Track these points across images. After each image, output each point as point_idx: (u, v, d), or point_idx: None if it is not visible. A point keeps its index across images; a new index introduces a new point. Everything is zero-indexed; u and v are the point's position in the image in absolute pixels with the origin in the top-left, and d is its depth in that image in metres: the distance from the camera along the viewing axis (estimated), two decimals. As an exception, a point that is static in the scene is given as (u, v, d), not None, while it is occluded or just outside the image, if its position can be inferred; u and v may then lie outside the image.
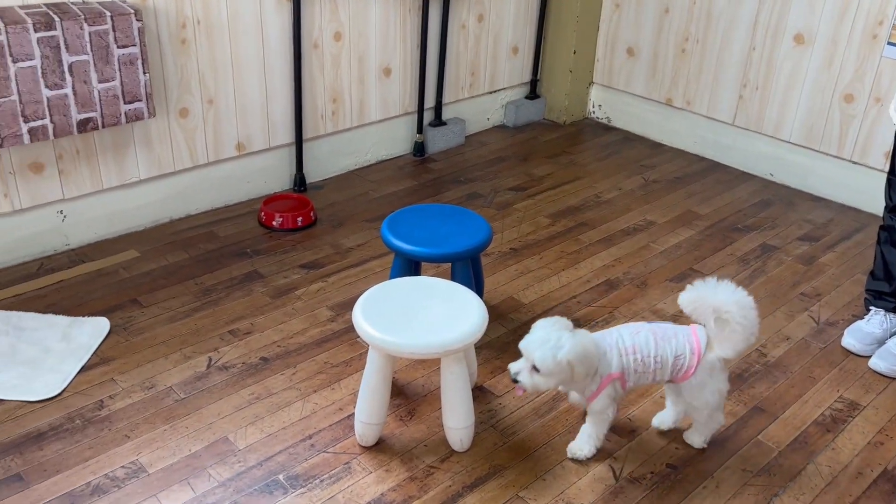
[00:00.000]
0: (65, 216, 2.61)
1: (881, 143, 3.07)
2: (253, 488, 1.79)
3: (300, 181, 3.12)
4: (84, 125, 2.41)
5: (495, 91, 3.77)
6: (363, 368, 2.13)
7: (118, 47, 2.39)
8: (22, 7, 2.31)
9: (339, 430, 1.97)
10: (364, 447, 1.92)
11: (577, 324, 2.40)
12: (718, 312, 1.75)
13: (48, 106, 2.32)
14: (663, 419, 2.01)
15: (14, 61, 2.21)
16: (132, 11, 2.37)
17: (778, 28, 3.22)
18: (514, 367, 1.76)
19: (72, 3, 2.37)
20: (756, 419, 2.07)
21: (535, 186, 3.27)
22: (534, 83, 3.90)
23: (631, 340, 1.80)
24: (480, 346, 2.28)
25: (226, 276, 2.56)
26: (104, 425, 1.95)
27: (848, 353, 2.34)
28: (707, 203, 3.20)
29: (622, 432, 2.01)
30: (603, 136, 3.82)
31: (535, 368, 1.73)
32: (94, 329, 2.26)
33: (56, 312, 2.33)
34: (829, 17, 3.08)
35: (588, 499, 1.82)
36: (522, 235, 2.90)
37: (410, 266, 2.22)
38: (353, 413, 1.99)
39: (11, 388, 2.03)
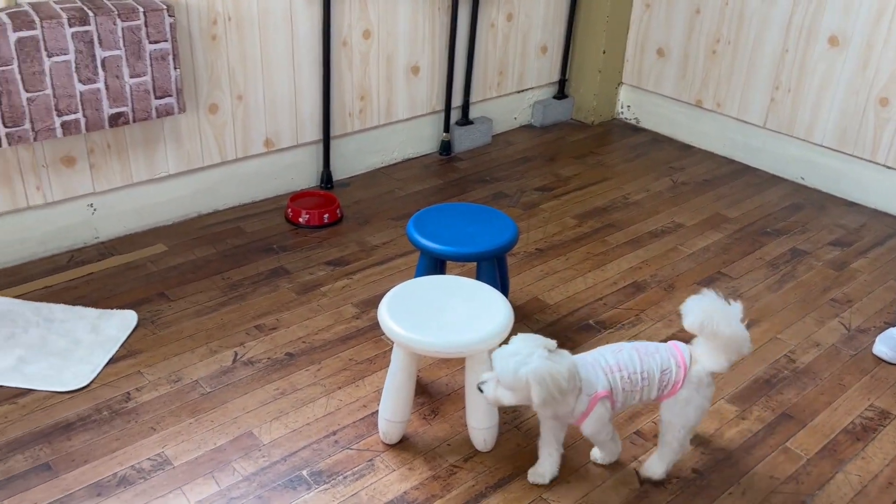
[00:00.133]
0: (95, 209, 2.64)
1: (916, 148, 3.02)
2: (277, 483, 1.80)
3: (327, 178, 3.13)
4: (115, 119, 2.43)
5: (523, 90, 3.76)
6: (387, 366, 2.13)
7: (150, 43, 2.41)
8: (57, 2, 2.34)
9: (362, 427, 1.97)
10: (387, 445, 1.92)
11: (604, 326, 2.39)
12: (712, 330, 1.67)
13: (81, 100, 2.34)
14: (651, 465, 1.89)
15: (49, 56, 2.24)
16: (164, 7, 2.39)
17: (812, 30, 3.17)
18: (485, 374, 1.69)
19: (105, -2, 2.40)
20: (784, 426, 2.05)
21: (562, 187, 3.26)
22: (562, 83, 3.88)
23: (614, 359, 1.72)
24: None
25: (252, 272, 2.57)
26: (131, 417, 1.96)
27: (879, 360, 2.30)
28: (736, 206, 3.16)
29: (647, 436, 1.99)
30: (631, 137, 3.79)
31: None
32: (122, 322, 2.28)
33: (85, 304, 2.36)
34: (864, 19, 3.03)
35: (612, 502, 1.80)
36: (548, 236, 2.88)
37: (436, 265, 2.22)
38: (377, 410, 1.99)
39: (42, 379, 2.05)
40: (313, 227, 2.86)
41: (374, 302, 2.45)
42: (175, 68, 2.48)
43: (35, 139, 2.30)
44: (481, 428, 1.88)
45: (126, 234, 2.74)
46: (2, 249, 2.49)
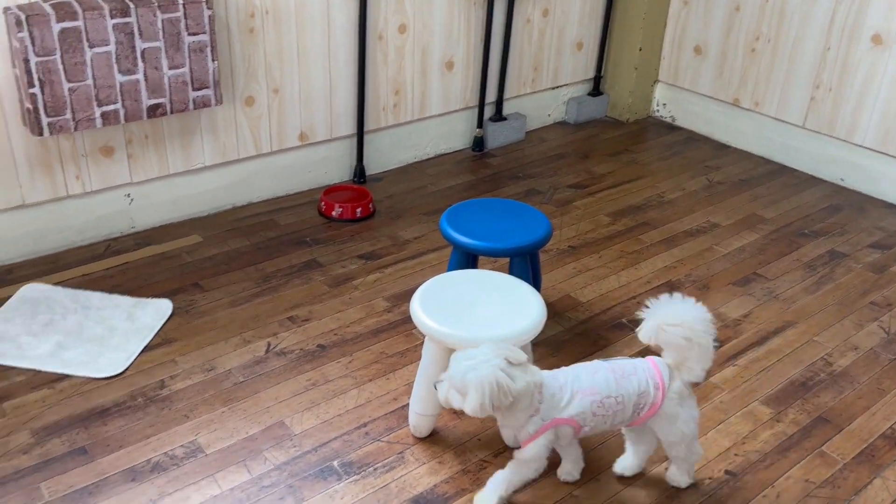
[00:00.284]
0: (132, 199, 2.68)
1: (961, 150, 2.95)
2: (307, 473, 1.81)
3: (360, 172, 3.14)
4: (154, 110, 2.46)
5: (558, 87, 3.74)
6: (418, 360, 2.13)
7: (189, 35, 2.43)
8: (99, -6, 2.37)
9: (393, 419, 1.98)
10: (418, 438, 1.92)
11: (637, 324, 2.36)
12: (682, 332, 1.60)
13: (121, 91, 2.37)
14: (625, 465, 1.83)
15: (90, 47, 2.27)
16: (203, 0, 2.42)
17: (855, 28, 3.11)
18: (443, 374, 1.65)
19: (146, -10, 2.43)
20: (820, 429, 2.01)
21: (596, 184, 3.23)
22: (597, 80, 3.85)
23: (589, 381, 1.64)
24: (536, 344, 2.26)
25: (285, 264, 2.59)
26: (165, 404, 1.99)
27: (920, 365, 2.26)
28: (773, 206, 3.11)
29: (680, 436, 1.97)
30: (666, 135, 3.75)
31: None
32: (157, 310, 2.31)
33: (121, 293, 2.39)
34: (910, 17, 2.96)
35: (642, 502, 1.78)
36: (581, 233, 2.86)
37: (468, 260, 2.21)
38: (408, 403, 1.99)
39: (79, 365, 2.08)
40: (346, 221, 2.87)
41: (406, 296, 2.46)
42: (213, 60, 2.50)
43: (75, 129, 2.33)
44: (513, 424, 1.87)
45: (162, 224, 2.77)
46: (42, 237, 2.54)
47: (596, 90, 3.86)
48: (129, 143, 2.59)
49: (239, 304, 2.37)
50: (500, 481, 1.69)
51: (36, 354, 2.11)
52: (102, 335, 2.20)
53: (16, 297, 2.32)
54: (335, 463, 1.84)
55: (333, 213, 2.87)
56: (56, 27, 2.19)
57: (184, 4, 2.38)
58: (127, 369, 2.09)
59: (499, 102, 3.49)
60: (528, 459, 1.66)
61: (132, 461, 1.82)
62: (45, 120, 2.27)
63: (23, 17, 2.14)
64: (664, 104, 3.89)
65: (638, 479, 1.84)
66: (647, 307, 1.66)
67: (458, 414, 2.01)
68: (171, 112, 2.49)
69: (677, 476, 1.80)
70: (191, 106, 2.52)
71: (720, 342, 1.66)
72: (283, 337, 2.25)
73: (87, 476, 1.77)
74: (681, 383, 1.67)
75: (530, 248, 2.12)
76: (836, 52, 3.19)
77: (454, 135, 3.44)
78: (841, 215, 3.07)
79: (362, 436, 1.92)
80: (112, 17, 2.28)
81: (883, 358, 2.28)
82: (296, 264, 2.59)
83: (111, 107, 2.37)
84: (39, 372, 2.06)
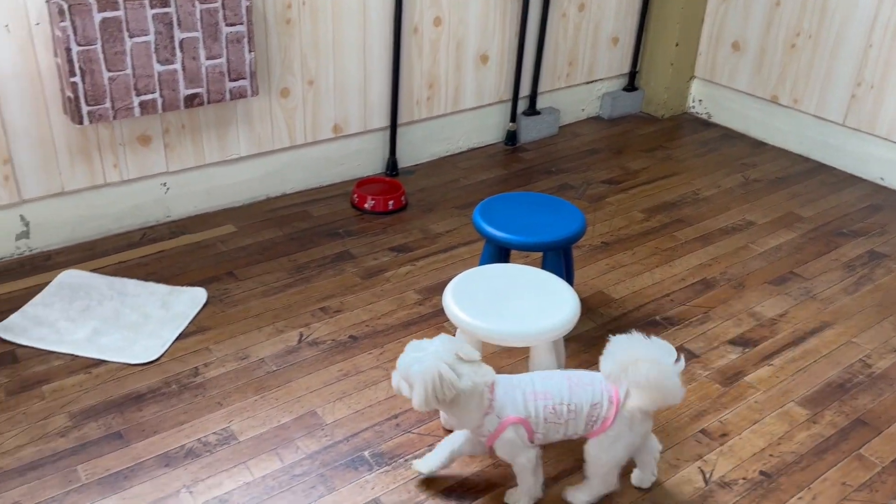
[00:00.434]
0: (168, 188, 2.70)
1: None
2: (339, 463, 1.81)
3: (392, 165, 3.14)
4: (191, 100, 2.48)
5: (592, 81, 3.71)
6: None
7: (226, 25, 2.45)
8: (139, -16, 2.39)
9: (424, 413, 1.97)
10: (448, 430, 1.92)
11: (671, 322, 2.34)
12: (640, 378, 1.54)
13: (159, 80, 2.40)
14: (641, 479, 1.78)
15: (130, 36, 2.29)
16: (242, -9, 2.43)
17: (899, 24, 3.05)
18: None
19: (185, -19, 2.45)
20: (858, 432, 1.97)
21: (630, 180, 3.20)
22: (632, 75, 3.81)
23: (542, 386, 1.61)
24: (568, 340, 2.25)
25: (318, 255, 2.60)
26: (198, 392, 2.01)
27: (962, 369, 2.21)
28: (811, 205, 3.06)
29: (713, 435, 1.94)
30: (702, 131, 3.70)
31: None
32: (191, 298, 2.33)
33: (156, 281, 2.42)
34: (957, 13, 2.89)
35: (675, 501, 1.76)
36: (615, 229, 2.84)
37: (501, 254, 2.20)
38: (439, 396, 1.99)
39: (115, 351, 2.11)
40: (378, 214, 2.87)
41: (437, 289, 2.45)
42: (250, 51, 2.52)
43: (114, 117, 2.36)
44: (544, 418, 1.86)
45: (196, 213, 2.79)
46: (80, 224, 2.57)
47: (631, 85, 3.83)
48: (166, 132, 2.61)
49: (272, 294, 2.39)
50: (521, 493, 1.70)
51: (73, 339, 2.14)
52: (138, 322, 2.22)
53: (54, 282, 2.36)
54: (366, 453, 1.85)
55: (366, 206, 2.88)
56: (97, 17, 2.22)
57: (222, -5, 2.40)
58: (161, 356, 2.11)
59: (532, 96, 3.47)
60: (507, 457, 1.65)
61: (166, 447, 1.84)
62: (85, 109, 2.30)
63: (65, 6, 2.16)
64: (700, 100, 3.84)
65: (671, 477, 1.82)
66: (609, 342, 1.59)
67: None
68: (208, 102, 2.51)
69: (579, 494, 1.72)
70: (227, 96, 2.54)
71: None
72: (316, 327, 2.26)
73: (123, 460, 1.79)
74: (636, 406, 1.60)
75: (564, 242, 2.11)
76: (879, 49, 3.12)
77: (487, 129, 3.43)
78: (881, 215, 3.01)
79: (393, 427, 1.92)
80: (152, 7, 2.30)
81: (923, 361, 2.23)
82: (328, 255, 2.60)
83: (149, 96, 2.40)
84: (77, 357, 2.09)
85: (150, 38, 2.33)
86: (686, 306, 2.42)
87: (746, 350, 2.25)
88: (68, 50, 2.21)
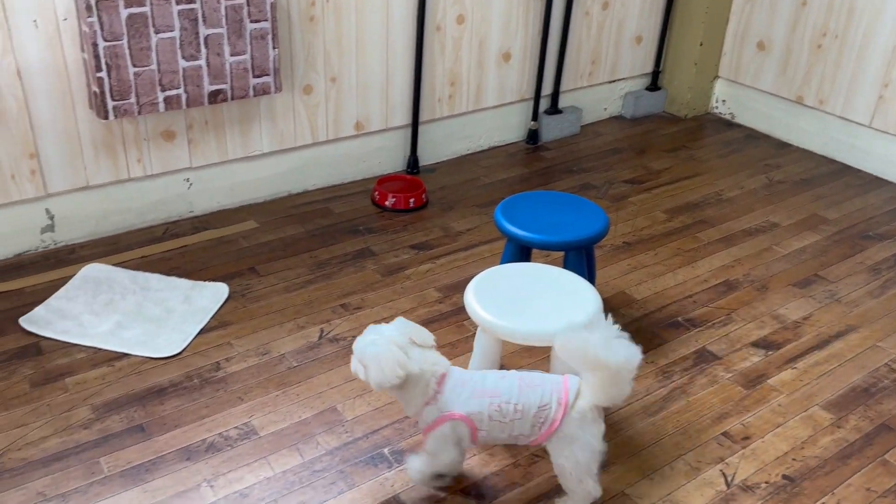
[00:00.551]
0: (191, 184, 2.72)
1: None
2: (358, 459, 1.81)
3: (413, 163, 3.14)
4: (215, 96, 2.49)
5: (615, 81, 3.69)
6: (469, 351, 2.12)
7: (251, 22, 2.45)
8: (165, -20, 2.41)
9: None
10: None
11: (693, 324, 2.32)
12: (595, 364, 1.52)
13: (183, 76, 2.41)
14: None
15: (156, 32, 2.31)
16: (266, -13, 2.44)
17: (928, 24, 3.00)
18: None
19: (211, -22, 2.46)
20: (883, 437, 1.95)
21: (652, 180, 3.18)
22: (655, 74, 3.79)
23: (493, 384, 1.60)
24: (589, 339, 2.23)
25: (339, 252, 2.60)
26: (220, 386, 2.01)
27: None
28: (836, 207, 3.03)
29: (736, 438, 1.93)
30: (726, 132, 3.67)
31: None
32: (213, 293, 2.34)
33: (179, 275, 2.43)
34: None
35: (697, 502, 1.75)
36: (637, 229, 2.82)
37: (522, 252, 2.19)
38: (459, 395, 1.99)
39: (138, 344, 2.13)
40: (399, 211, 2.87)
41: (458, 287, 2.45)
42: (274, 48, 2.52)
43: (139, 113, 2.38)
44: (565, 418, 1.85)
45: (219, 209, 2.81)
46: (104, 218, 2.59)
47: (654, 85, 3.80)
48: (190, 128, 2.63)
49: (293, 290, 2.39)
50: (416, 469, 1.69)
51: (96, 333, 2.16)
52: (160, 316, 2.24)
53: (78, 276, 2.38)
54: (386, 450, 1.85)
55: (387, 203, 2.88)
56: (124, 12, 2.23)
57: (247, -8, 2.41)
58: (183, 350, 2.13)
59: (555, 95, 3.46)
60: (430, 451, 1.64)
61: (188, 440, 1.85)
62: (110, 104, 2.32)
63: (93, 2, 2.18)
64: (723, 100, 3.81)
65: (692, 479, 1.81)
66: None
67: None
68: (232, 98, 2.52)
69: None
70: (251, 93, 2.55)
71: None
72: (336, 324, 2.26)
73: (145, 453, 1.80)
74: (588, 404, 1.56)
75: (587, 242, 2.10)
76: (908, 49, 3.08)
77: (508, 127, 3.42)
78: (908, 218, 2.97)
79: (413, 424, 1.92)
80: (177, 4, 2.31)
81: (951, 366, 2.20)
82: (349, 252, 2.61)
83: (174, 92, 2.41)
84: (100, 350, 2.11)
85: (176, 33, 2.34)
86: (708, 308, 2.40)
87: (770, 353, 2.22)
88: (95, 45, 2.23)
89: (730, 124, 3.76)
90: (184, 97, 2.44)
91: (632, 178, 3.19)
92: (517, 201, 2.24)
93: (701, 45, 3.62)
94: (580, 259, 2.15)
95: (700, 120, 3.79)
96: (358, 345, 1.59)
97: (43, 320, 2.19)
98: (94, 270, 2.41)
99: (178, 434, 1.86)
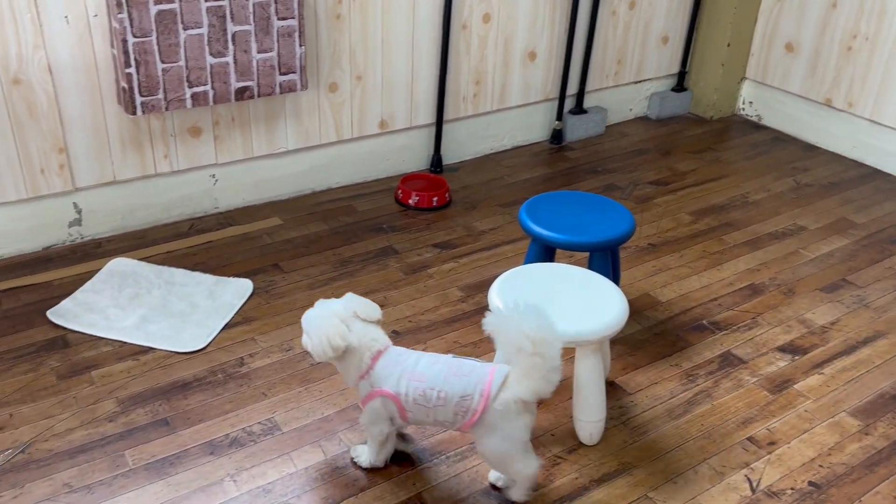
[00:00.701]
0: (216, 180, 2.73)
1: None
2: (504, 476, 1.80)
3: (437, 162, 3.14)
4: (241, 93, 2.50)
5: (640, 81, 3.66)
6: (491, 351, 2.12)
7: (278, 19, 2.46)
8: (194, -23, 2.42)
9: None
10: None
11: (718, 327, 2.30)
12: (517, 345, 1.53)
13: (210, 73, 2.42)
14: (497, 475, 1.76)
15: (184, 28, 2.32)
16: (294, -15, 2.44)
17: (962, 27, 2.96)
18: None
19: (239, -25, 2.47)
20: (912, 446, 1.92)
21: (678, 182, 3.16)
22: (682, 75, 3.76)
23: (423, 368, 1.62)
24: (613, 342, 2.22)
25: (362, 250, 2.61)
26: (243, 381, 2.02)
27: None
28: (864, 212, 2.99)
29: (761, 443, 1.91)
30: (752, 134, 3.64)
31: None
32: (237, 289, 2.36)
33: (203, 271, 2.45)
34: None
35: (721, 508, 1.74)
36: (662, 231, 2.80)
37: (546, 253, 2.18)
38: (482, 394, 1.98)
39: (162, 338, 2.14)
40: (422, 210, 2.87)
41: (480, 286, 2.44)
42: (300, 45, 2.53)
43: (167, 109, 2.39)
44: (589, 421, 1.84)
45: (244, 205, 2.82)
46: (130, 213, 2.62)
47: (680, 86, 3.77)
48: (216, 124, 2.64)
49: (317, 287, 2.40)
50: (362, 458, 1.77)
51: (122, 326, 2.18)
52: (185, 311, 2.25)
53: (105, 270, 2.40)
54: (409, 449, 1.84)
55: (410, 202, 2.88)
56: (153, 9, 2.25)
57: (275, -11, 2.41)
58: (208, 345, 2.14)
59: (580, 95, 3.44)
60: (365, 424, 1.71)
61: (211, 435, 1.86)
62: (138, 99, 2.33)
63: (122, -2, 2.20)
64: (750, 102, 3.77)
65: (717, 484, 1.79)
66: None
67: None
68: (258, 95, 2.53)
69: (514, 490, 1.70)
70: (277, 90, 2.56)
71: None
72: (359, 321, 2.26)
73: (169, 447, 1.82)
74: (512, 397, 1.56)
75: (612, 243, 2.08)
76: (941, 51, 3.03)
77: (532, 127, 3.41)
78: (938, 223, 2.93)
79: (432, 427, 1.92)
80: (206, 0, 2.32)
81: (982, 375, 2.16)
82: (372, 250, 2.61)
83: (201, 88, 2.42)
84: (125, 343, 2.12)
85: (204, 30, 2.36)
86: (734, 311, 2.38)
87: (796, 357, 2.20)
88: (124, 41, 2.24)
89: (757, 126, 3.72)
90: (211, 94, 2.45)
91: (657, 180, 3.17)
92: (542, 201, 2.23)
93: (728, 45, 3.59)
94: (606, 260, 2.14)
95: (726, 122, 3.76)
96: (305, 317, 1.68)
97: (70, 313, 2.22)
98: (120, 265, 2.43)
99: (201, 428, 1.87)
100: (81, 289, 2.32)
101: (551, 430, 1.92)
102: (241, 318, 2.25)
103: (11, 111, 2.29)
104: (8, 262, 2.44)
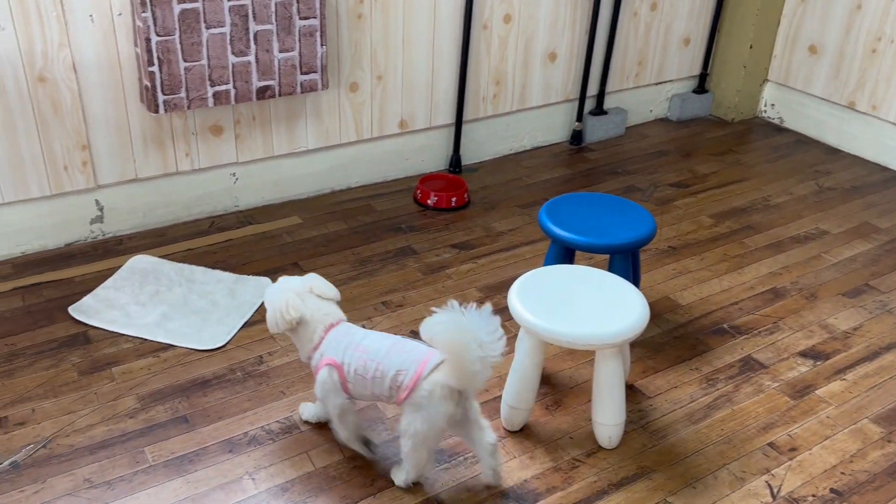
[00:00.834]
0: (237, 179, 2.75)
1: None
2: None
3: (456, 162, 3.14)
4: (262, 92, 2.51)
5: (661, 83, 3.64)
6: (510, 353, 2.11)
7: (300, 19, 2.47)
8: (217, -23, 2.43)
9: (484, 411, 1.95)
10: (509, 431, 1.91)
11: (739, 331, 2.28)
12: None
13: (232, 72, 2.43)
14: (484, 472, 1.76)
15: (207, 27, 2.33)
16: (316, -15, 2.45)
17: None
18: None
19: (261, -26, 2.48)
20: (936, 454, 1.90)
21: (698, 184, 3.14)
22: (703, 77, 3.73)
23: (370, 343, 1.69)
24: (632, 345, 2.21)
25: (381, 249, 2.61)
26: (262, 380, 2.03)
27: None
28: (888, 216, 2.95)
29: (782, 449, 1.89)
30: (774, 136, 3.61)
31: None
32: (257, 287, 2.36)
33: (223, 269, 2.46)
34: None
35: (741, 514, 1.72)
36: (682, 234, 2.78)
37: (566, 254, 2.18)
38: (499, 396, 1.98)
39: (183, 336, 2.15)
40: (441, 210, 2.87)
41: (499, 287, 2.44)
42: (322, 45, 2.54)
43: (189, 107, 2.40)
44: (608, 424, 1.83)
45: (264, 204, 2.83)
46: (151, 211, 2.63)
47: (701, 87, 3.75)
48: (237, 123, 2.65)
49: (336, 286, 2.40)
50: (309, 412, 1.88)
51: (143, 323, 2.19)
52: (205, 309, 2.26)
53: (125, 267, 2.42)
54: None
55: (429, 202, 2.88)
56: (177, 8, 2.26)
57: (297, -11, 2.42)
58: (227, 343, 2.15)
59: (600, 96, 3.42)
60: (319, 396, 1.74)
61: (230, 433, 1.86)
62: (161, 98, 2.35)
63: (146, -3, 2.21)
64: (772, 105, 3.74)
65: (736, 490, 1.78)
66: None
67: (551, 410, 1.98)
68: (279, 95, 2.54)
69: (397, 472, 1.75)
70: (298, 89, 2.56)
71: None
72: (377, 321, 2.26)
73: (188, 444, 1.83)
74: (439, 381, 1.59)
75: (634, 245, 2.07)
76: (968, 54, 2.99)
77: (552, 127, 3.40)
78: (963, 229, 2.89)
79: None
80: (229, 0, 2.33)
81: None
82: (391, 250, 2.61)
83: (223, 87, 2.43)
84: (146, 340, 2.14)
85: (226, 29, 2.37)
86: (755, 315, 2.36)
87: (818, 363, 2.18)
88: (148, 40, 2.26)
89: (778, 129, 3.69)
90: (232, 92, 2.46)
91: (677, 182, 3.15)
92: (562, 203, 2.22)
93: (751, 47, 3.56)
94: (626, 262, 2.13)
95: (748, 124, 3.73)
96: (269, 287, 1.77)
97: (91, 309, 2.23)
98: (141, 262, 2.44)
99: (221, 426, 1.88)
100: (103, 285, 2.33)
101: (570, 433, 1.91)
102: (261, 317, 2.25)
103: (36, 109, 2.32)
104: (31, 259, 2.47)
